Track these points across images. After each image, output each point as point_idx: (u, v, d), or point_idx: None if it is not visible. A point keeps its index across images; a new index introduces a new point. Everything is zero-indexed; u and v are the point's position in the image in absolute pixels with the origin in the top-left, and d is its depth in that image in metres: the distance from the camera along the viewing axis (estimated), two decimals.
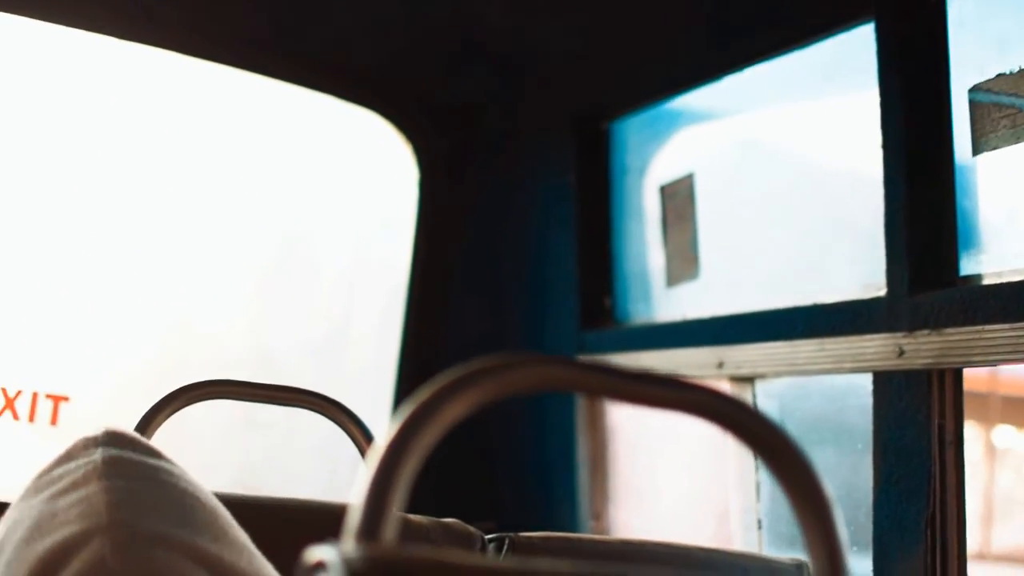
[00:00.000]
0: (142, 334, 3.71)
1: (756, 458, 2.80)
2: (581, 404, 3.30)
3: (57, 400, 3.41)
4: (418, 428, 1.03)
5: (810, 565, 1.11)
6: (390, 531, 1.01)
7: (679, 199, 3.12)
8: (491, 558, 2.05)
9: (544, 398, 3.43)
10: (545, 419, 3.47)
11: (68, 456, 1.34)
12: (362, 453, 2.34)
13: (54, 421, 3.40)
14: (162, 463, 1.34)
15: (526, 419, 3.54)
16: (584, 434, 3.29)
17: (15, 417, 3.37)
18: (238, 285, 3.91)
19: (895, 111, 2.40)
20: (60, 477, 1.30)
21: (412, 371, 3.71)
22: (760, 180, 3.04)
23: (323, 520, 2.15)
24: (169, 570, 1.19)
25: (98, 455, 1.31)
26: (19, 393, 3.38)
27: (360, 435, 2.34)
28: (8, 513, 1.32)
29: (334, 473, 3.80)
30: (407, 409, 1.04)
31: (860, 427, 2.47)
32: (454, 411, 1.05)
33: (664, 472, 3.28)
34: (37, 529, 1.24)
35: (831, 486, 1.12)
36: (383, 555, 0.97)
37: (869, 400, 2.42)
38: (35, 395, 3.39)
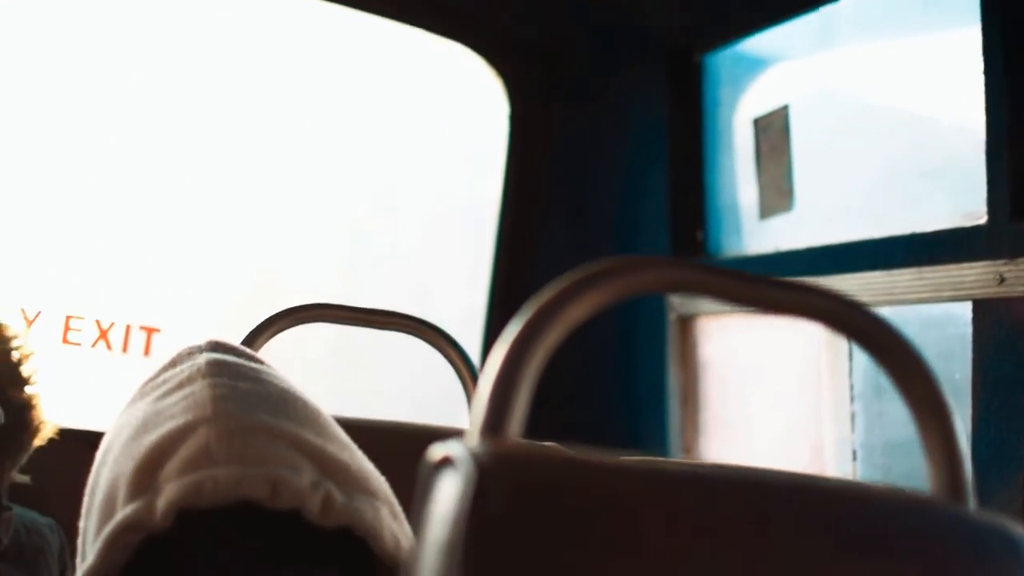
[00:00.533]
0: (235, 273, 3.76)
1: (852, 387, 2.80)
2: (672, 337, 3.30)
3: (150, 332, 3.46)
4: (543, 325, 1.03)
5: (928, 469, 1.11)
6: (515, 428, 1.02)
7: (773, 131, 3.10)
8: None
9: (635, 329, 3.43)
10: (635, 352, 3.47)
11: (172, 363, 1.38)
12: (459, 375, 2.37)
13: (147, 352, 3.46)
14: (264, 367, 1.37)
15: (616, 351, 3.54)
16: (675, 366, 3.29)
17: (108, 348, 3.43)
18: (329, 232, 3.94)
19: (996, 34, 2.37)
20: (165, 381, 1.34)
21: (503, 305, 3.72)
22: (856, 111, 3.01)
23: (422, 442, 2.17)
24: (272, 457, 1.22)
25: (202, 359, 1.35)
26: (112, 325, 3.44)
27: (457, 357, 2.37)
28: (114, 421, 1.36)
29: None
30: (532, 306, 1.04)
31: (957, 356, 2.45)
32: (578, 311, 1.05)
33: (756, 405, 3.27)
34: (143, 427, 1.27)
35: None
36: (510, 449, 0.98)
37: (967, 330, 2.40)
38: (128, 327, 3.45)
